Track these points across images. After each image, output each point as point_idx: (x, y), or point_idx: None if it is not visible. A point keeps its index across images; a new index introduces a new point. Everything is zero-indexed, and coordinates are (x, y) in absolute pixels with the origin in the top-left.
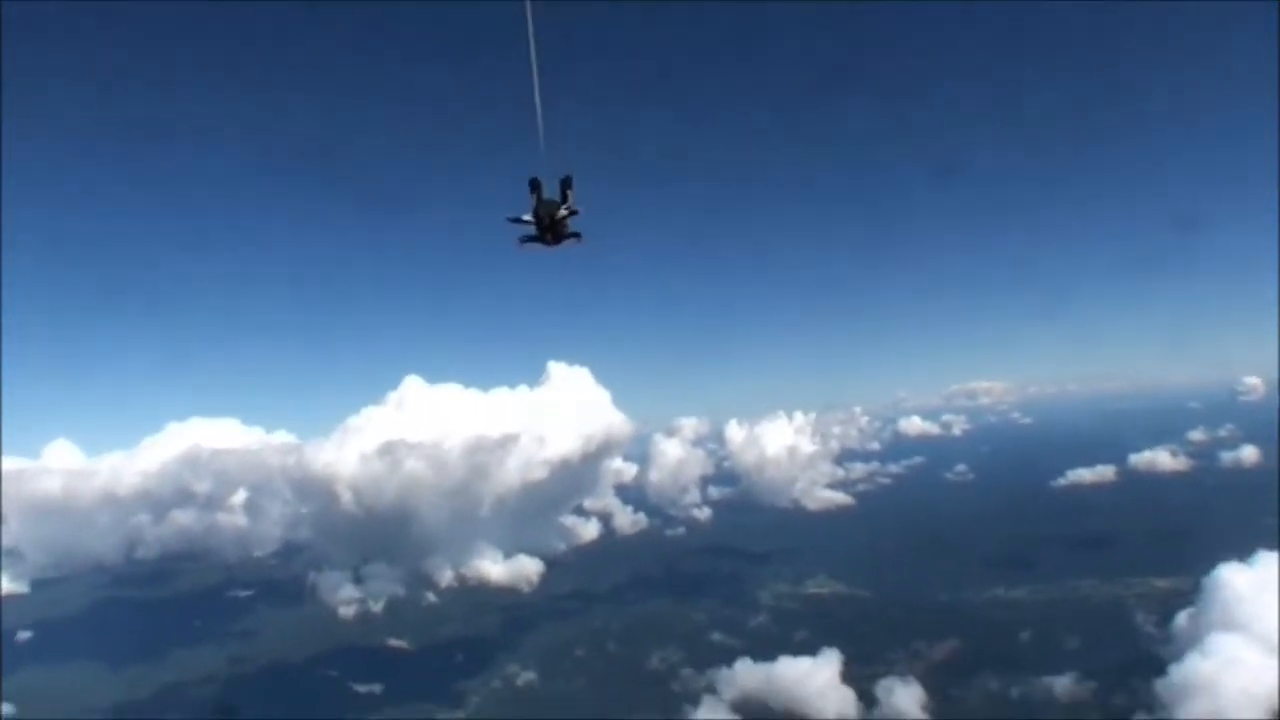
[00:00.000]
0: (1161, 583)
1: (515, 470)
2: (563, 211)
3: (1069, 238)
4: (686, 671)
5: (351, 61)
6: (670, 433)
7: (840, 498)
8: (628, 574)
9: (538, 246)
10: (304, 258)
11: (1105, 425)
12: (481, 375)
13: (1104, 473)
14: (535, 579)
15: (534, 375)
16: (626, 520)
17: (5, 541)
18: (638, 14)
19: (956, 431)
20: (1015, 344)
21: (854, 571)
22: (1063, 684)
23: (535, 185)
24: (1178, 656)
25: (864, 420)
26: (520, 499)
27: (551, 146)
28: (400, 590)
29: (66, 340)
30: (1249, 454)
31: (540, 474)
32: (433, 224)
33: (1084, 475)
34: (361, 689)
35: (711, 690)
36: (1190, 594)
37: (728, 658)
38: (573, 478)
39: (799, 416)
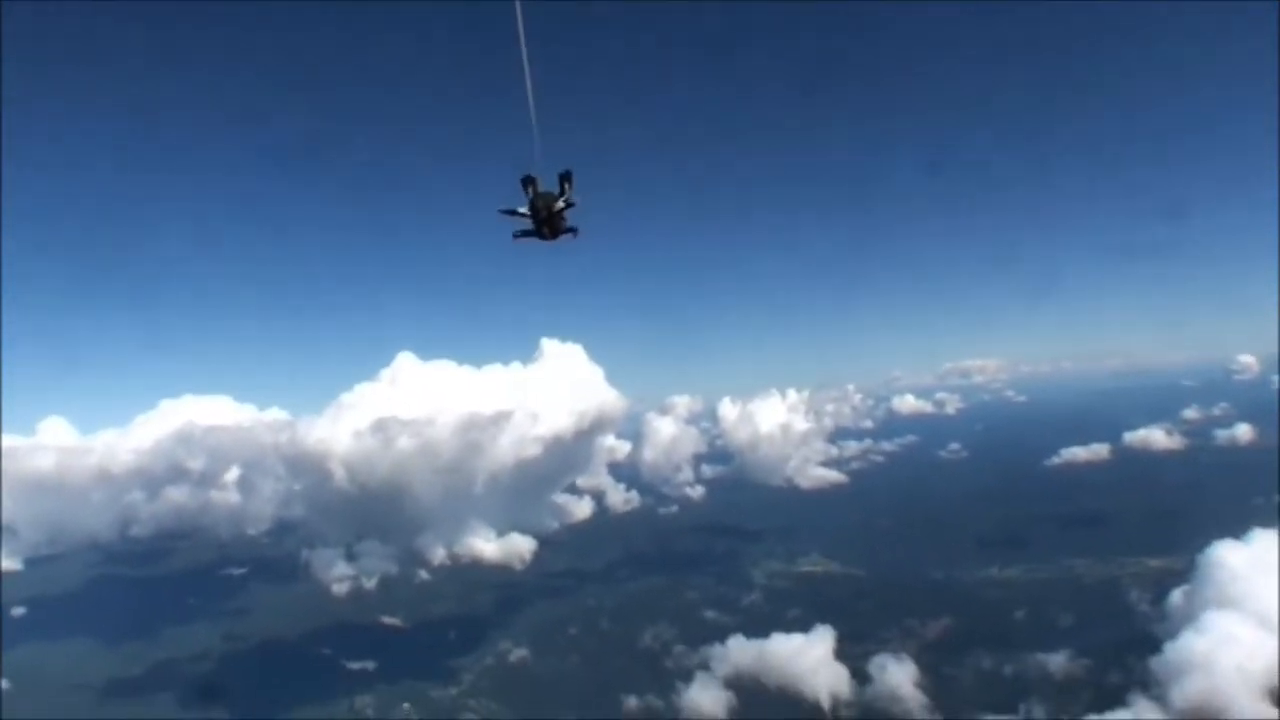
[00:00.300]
0: (1155, 562)
1: (508, 448)
2: (560, 204)
3: (1064, 217)
4: (679, 648)
5: (343, 48)
6: (663, 411)
7: (834, 476)
8: (620, 552)
9: (534, 240)
10: (297, 236)
11: (1099, 403)
12: (475, 352)
13: (1098, 451)
14: (528, 557)
15: (527, 352)
16: (619, 498)
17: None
18: None
19: (950, 410)
20: (1009, 322)
21: (847, 550)
22: (1057, 661)
23: (528, 182)
24: (1172, 634)
25: (857, 398)
26: (513, 476)
27: (546, 128)
28: (393, 568)
29: (60, 318)
30: (1243, 432)
31: (533, 451)
32: (425, 202)
33: (1078, 454)
34: (355, 666)
35: (705, 667)
36: (1184, 573)
37: (721, 635)
38: (565, 455)
39: (792, 394)
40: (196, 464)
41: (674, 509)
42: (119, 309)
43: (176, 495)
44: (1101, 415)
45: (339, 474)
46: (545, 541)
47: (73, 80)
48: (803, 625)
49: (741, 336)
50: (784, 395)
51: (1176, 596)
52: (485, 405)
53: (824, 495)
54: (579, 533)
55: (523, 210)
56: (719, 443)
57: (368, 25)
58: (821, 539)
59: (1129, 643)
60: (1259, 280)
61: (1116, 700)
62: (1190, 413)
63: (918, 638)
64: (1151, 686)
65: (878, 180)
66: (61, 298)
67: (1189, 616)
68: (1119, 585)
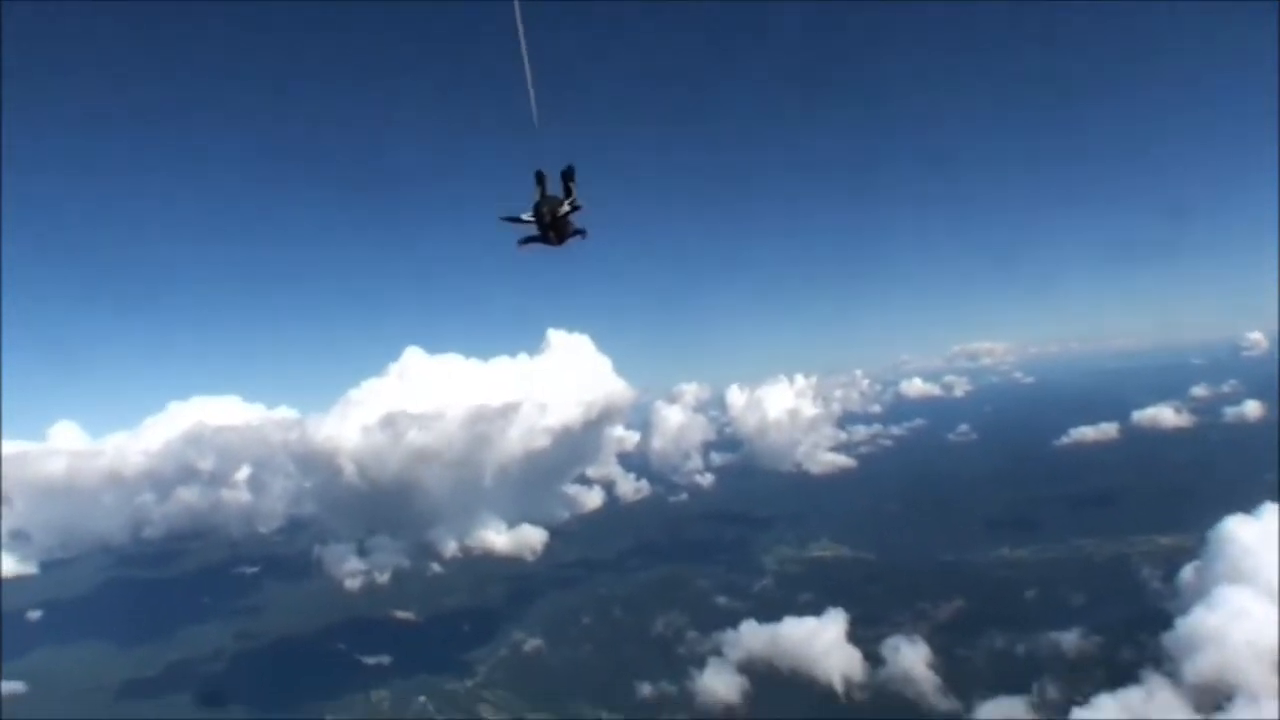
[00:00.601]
0: (1166, 540)
1: (517, 439)
2: (565, 207)
3: (1070, 198)
4: (692, 635)
5: (342, 45)
6: (671, 399)
7: (843, 460)
8: (631, 541)
9: (540, 247)
10: (302, 234)
11: (1107, 383)
12: (481, 345)
13: (1107, 430)
14: (539, 548)
15: (534, 344)
16: (629, 488)
17: (14, 524)
18: None
19: (958, 393)
20: (1017, 305)
21: (858, 534)
22: (1069, 639)
23: (540, 179)
24: (1184, 610)
25: (865, 383)
26: (522, 468)
27: (550, 118)
28: (405, 562)
29: (68, 322)
30: (1252, 409)
31: (542, 442)
32: (429, 196)
33: (1087, 433)
34: (370, 661)
35: (717, 652)
36: (1195, 550)
37: (733, 621)
38: (575, 446)
39: (800, 380)
40: (207, 464)
41: (684, 497)
42: (126, 312)
43: (187, 496)
44: (1110, 395)
45: (349, 470)
46: (556, 532)
47: (76, 81)
48: (814, 610)
49: (748, 323)
50: (792, 381)
51: (1188, 572)
52: (493, 398)
53: (833, 480)
54: (590, 523)
55: (526, 216)
56: (728, 430)
57: (370, 18)
58: (832, 524)
59: (1140, 620)
60: (1267, 258)
61: (1129, 677)
62: (1199, 390)
63: (929, 620)
64: (1164, 663)
65: (883, 165)
66: (68, 301)
67: (1200, 592)
68: (1129, 563)
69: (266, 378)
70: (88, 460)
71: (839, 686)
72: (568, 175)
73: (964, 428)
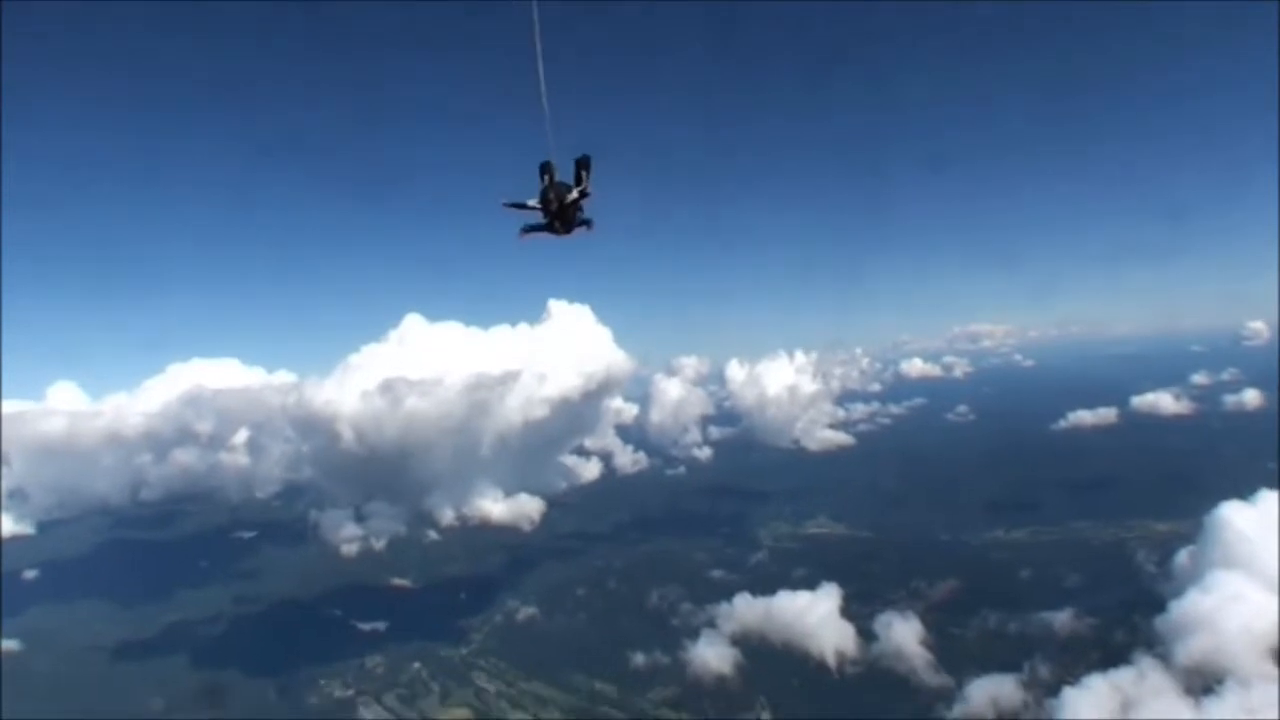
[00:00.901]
0: (1162, 525)
1: (516, 408)
2: (574, 195)
3: (1073, 182)
4: (686, 607)
5: (344, 20)
6: (671, 372)
7: (841, 438)
8: (628, 513)
9: (544, 236)
10: (303, 197)
11: (1107, 368)
12: (482, 313)
13: (1105, 415)
14: (536, 518)
15: (535, 313)
16: (627, 460)
17: (12, 483)
18: None
19: (958, 373)
20: (1018, 288)
21: (854, 512)
22: (1062, 620)
23: (546, 169)
24: (1178, 594)
25: (865, 362)
26: (521, 438)
27: (551, 87)
28: (402, 529)
29: (68, 284)
30: (1252, 397)
31: (541, 412)
32: (432, 162)
33: (1085, 417)
34: (365, 627)
35: (711, 625)
36: (1191, 536)
37: (727, 594)
38: (573, 416)
39: (800, 356)
40: (205, 427)
41: (681, 470)
42: (126, 273)
43: (185, 458)
44: (1109, 380)
45: (347, 435)
46: (553, 502)
47: (74, 57)
48: (809, 585)
49: (750, 298)
50: (792, 357)
51: (1182, 557)
52: (493, 366)
53: (831, 457)
54: (587, 494)
55: (531, 203)
56: (726, 404)
57: None
58: (829, 501)
59: (1135, 602)
60: (1268, 248)
61: (1121, 658)
62: (1199, 378)
63: (924, 598)
64: (1156, 645)
65: (888, 144)
66: (68, 263)
67: (1194, 576)
68: (1125, 548)
69: (266, 341)
70: (86, 421)
71: (831, 660)
72: (583, 164)
73: (963, 408)
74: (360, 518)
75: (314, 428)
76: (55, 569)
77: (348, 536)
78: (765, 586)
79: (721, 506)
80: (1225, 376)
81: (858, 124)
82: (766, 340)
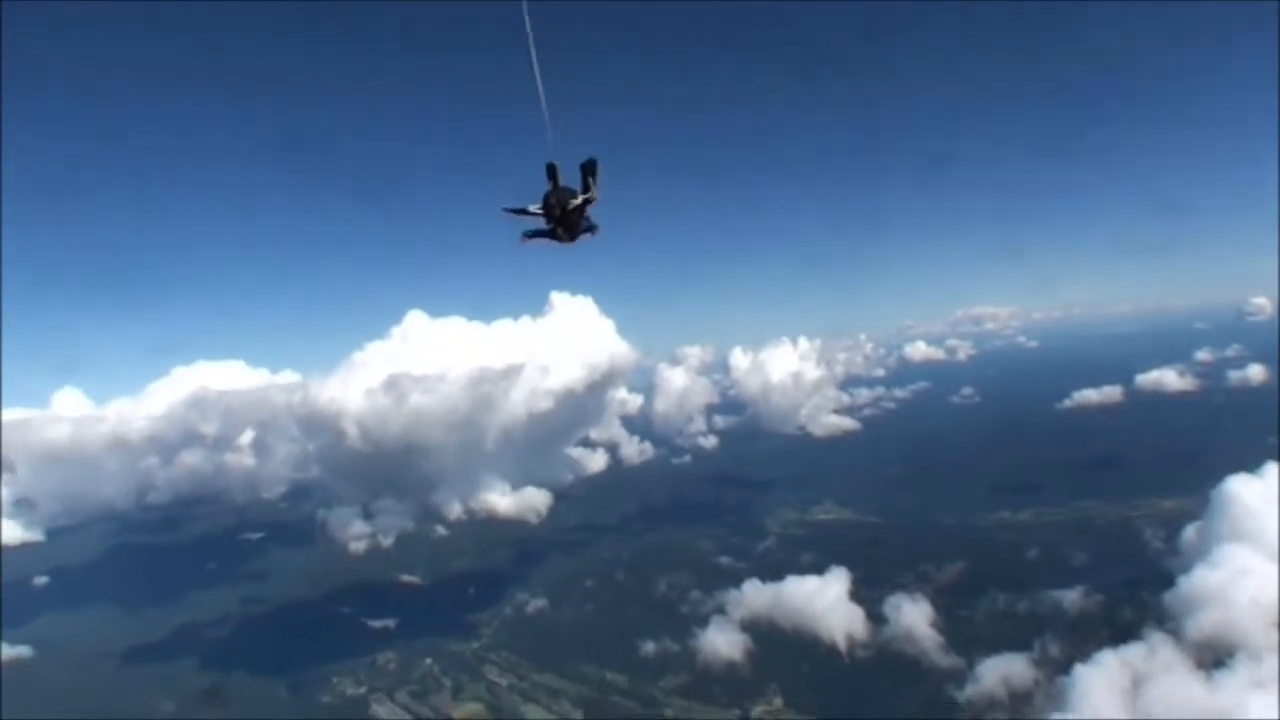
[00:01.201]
0: (1169, 502)
1: (520, 401)
2: (578, 201)
3: (1076, 164)
4: (695, 594)
5: (344, 21)
6: (675, 362)
7: (846, 423)
8: (635, 504)
9: (547, 242)
10: (303, 198)
11: (1111, 347)
12: (484, 307)
13: (1110, 393)
14: (544, 510)
15: (537, 306)
16: (633, 450)
17: (18, 491)
18: None
19: (962, 356)
20: (1021, 269)
21: (861, 497)
22: (1070, 598)
23: (552, 172)
24: (1186, 570)
25: (869, 347)
26: (526, 431)
27: (550, 81)
28: (410, 525)
29: (72, 290)
30: (1256, 373)
31: (545, 405)
32: (431, 159)
33: (1090, 396)
34: (375, 624)
35: (720, 611)
36: (1198, 513)
37: (736, 582)
38: (578, 408)
39: (803, 342)
40: (210, 428)
41: (687, 460)
42: (130, 278)
43: (191, 460)
44: (1114, 359)
45: (352, 433)
46: (560, 495)
47: (78, 57)
48: (817, 570)
49: (752, 287)
50: (795, 344)
51: (1190, 532)
52: (496, 360)
53: (837, 443)
54: (594, 485)
55: (533, 209)
56: (731, 393)
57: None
58: (835, 487)
59: (1143, 579)
60: (1271, 224)
61: (1131, 635)
62: (1203, 354)
63: (932, 581)
64: (1165, 621)
65: (890, 131)
66: (71, 270)
67: (1202, 551)
68: (1132, 526)
69: (270, 342)
70: (91, 426)
71: (841, 644)
72: (588, 169)
73: (967, 391)
74: (368, 515)
75: (319, 426)
76: (64, 575)
77: (355, 534)
78: (773, 573)
79: (728, 495)
80: (1229, 353)
81: (860, 112)
82: (770, 328)
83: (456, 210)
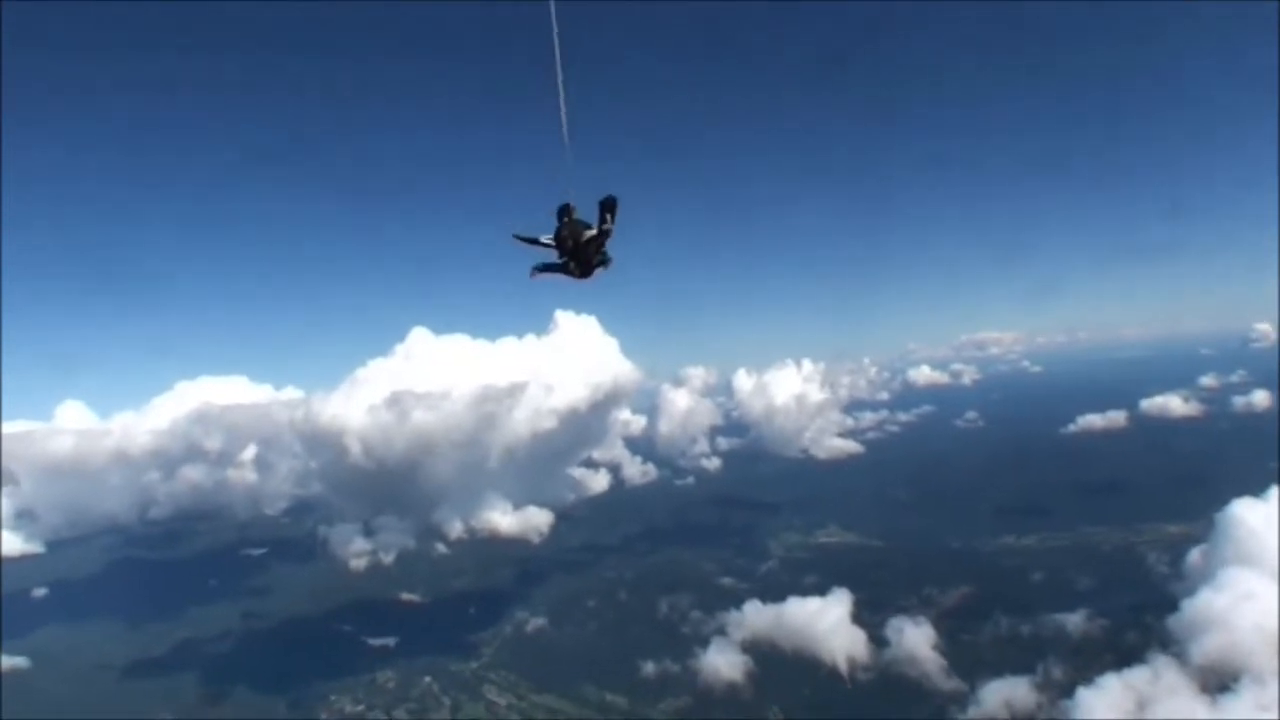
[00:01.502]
0: (1174, 528)
1: (523, 421)
2: (592, 233)
3: (1079, 188)
4: (696, 615)
5: (351, 34)
6: (678, 383)
7: (850, 446)
8: (638, 525)
9: (558, 277)
10: (310, 214)
11: (1116, 372)
12: (488, 325)
13: (1115, 419)
14: (545, 530)
15: (541, 324)
16: (636, 471)
17: (21, 503)
18: None
19: (966, 381)
20: (1025, 294)
21: (865, 520)
22: (1074, 621)
23: (565, 212)
24: (1190, 593)
25: (873, 371)
26: (529, 450)
27: (554, 101)
28: (411, 542)
29: (76, 303)
30: (1260, 398)
31: (549, 424)
32: (437, 177)
33: (1095, 421)
34: (375, 642)
35: (721, 632)
36: (1203, 538)
37: (737, 602)
38: (581, 428)
39: (807, 365)
40: (213, 444)
41: (690, 481)
42: (134, 292)
43: (194, 475)
44: (1118, 384)
45: (355, 449)
46: (562, 515)
47: (83, 62)
48: (820, 592)
49: (756, 309)
50: (799, 366)
51: (1194, 555)
52: (500, 378)
53: (840, 466)
54: (596, 506)
55: (545, 239)
56: (734, 414)
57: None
58: (839, 510)
59: (1147, 603)
60: (1274, 250)
61: (1135, 658)
62: (1207, 380)
63: (936, 605)
64: (1169, 644)
65: (894, 155)
66: (75, 282)
67: (1207, 575)
68: (1136, 550)
69: (274, 358)
70: (94, 439)
71: (843, 667)
72: (607, 206)
73: (972, 415)
74: (369, 532)
75: (322, 443)
76: (64, 588)
77: (356, 551)
78: (775, 594)
79: (731, 517)
80: (1234, 378)
81: (865, 136)
82: (774, 350)
83: (461, 227)
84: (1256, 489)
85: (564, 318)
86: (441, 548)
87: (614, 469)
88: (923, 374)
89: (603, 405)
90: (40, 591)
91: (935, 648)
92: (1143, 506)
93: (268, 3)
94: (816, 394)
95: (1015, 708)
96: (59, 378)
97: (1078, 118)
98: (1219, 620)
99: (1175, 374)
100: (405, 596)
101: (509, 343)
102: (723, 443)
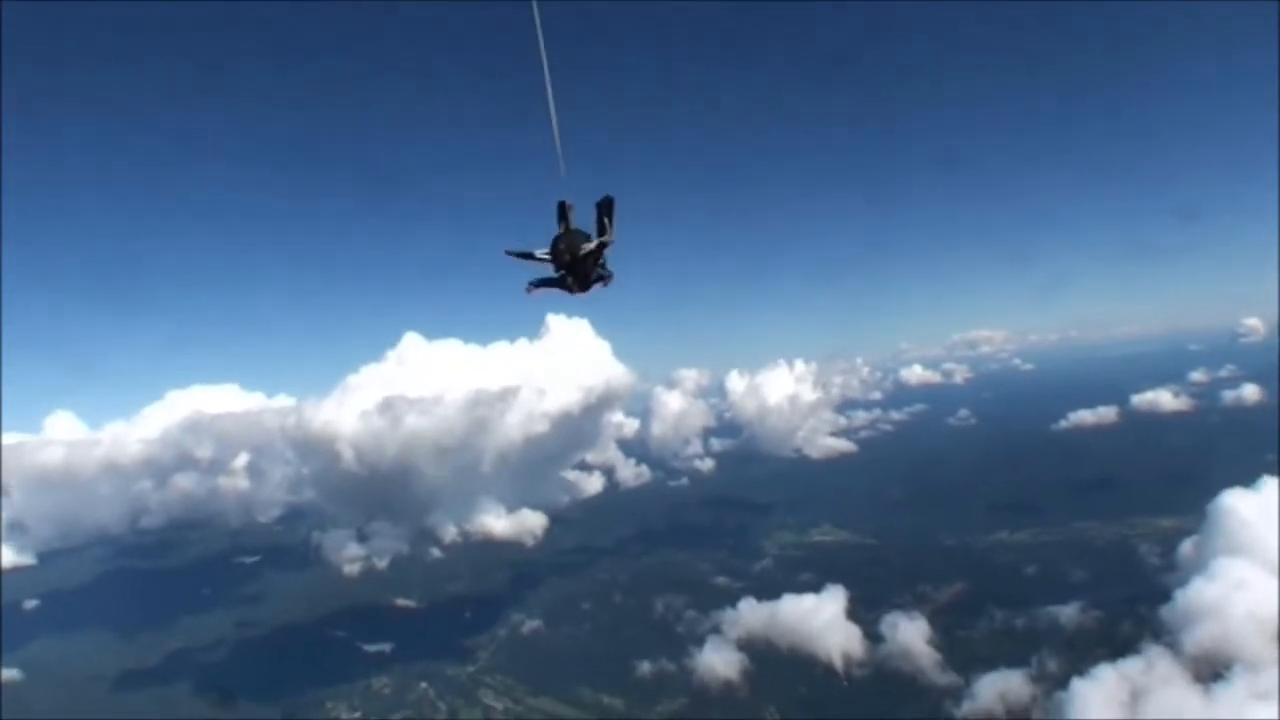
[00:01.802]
0: (1165, 521)
1: (516, 424)
2: (590, 246)
3: (1070, 188)
4: (691, 614)
5: (341, 39)
6: (671, 385)
7: (843, 445)
8: (632, 526)
9: (555, 292)
10: (300, 221)
11: (1107, 369)
12: (480, 330)
13: (1106, 415)
14: (539, 533)
15: (533, 328)
16: (629, 473)
17: (11, 515)
18: None
19: (958, 379)
20: (1016, 293)
21: (858, 519)
22: (1068, 614)
23: (563, 211)
24: (1183, 584)
25: (865, 370)
26: (522, 453)
27: (541, 99)
28: (405, 548)
29: (66, 313)
30: (1250, 392)
31: (541, 427)
32: (427, 183)
33: (1086, 417)
34: (370, 648)
35: (716, 631)
36: (1193, 532)
37: (732, 601)
38: (574, 430)
39: (799, 365)
40: (205, 452)
41: (684, 482)
42: (124, 301)
43: (185, 483)
44: (1109, 380)
45: (347, 455)
46: (556, 518)
47: (75, 76)
48: (814, 590)
49: (749, 311)
50: (791, 367)
51: (1186, 546)
52: (492, 382)
53: (834, 465)
54: (590, 508)
55: (540, 254)
56: (727, 416)
57: (370, 12)
58: (832, 509)
59: (1140, 595)
60: (1264, 246)
61: (1128, 649)
62: (1197, 375)
63: (930, 601)
64: (1163, 635)
65: (887, 156)
66: (65, 291)
67: (1199, 565)
68: (1129, 544)
69: (265, 366)
70: (85, 450)
71: (838, 663)
72: (604, 208)
73: (964, 413)
74: (363, 538)
75: (314, 449)
76: (56, 599)
77: (350, 557)
78: (770, 593)
79: (725, 517)
80: (1223, 373)
81: (859, 138)
82: (766, 351)
83: (453, 233)
84: (1247, 482)
85: (556, 322)
86: (436, 552)
87: (608, 471)
88: (915, 373)
89: (596, 408)
90: (32, 603)
91: (930, 643)
92: (1134, 501)
93: (258, 7)
94: (809, 394)
95: (1010, 700)
96: (49, 389)
97: (1070, 119)
98: (1211, 610)
99: (1165, 370)
100: (400, 602)
101: (501, 347)
102: (716, 444)
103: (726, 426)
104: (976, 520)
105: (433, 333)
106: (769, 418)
